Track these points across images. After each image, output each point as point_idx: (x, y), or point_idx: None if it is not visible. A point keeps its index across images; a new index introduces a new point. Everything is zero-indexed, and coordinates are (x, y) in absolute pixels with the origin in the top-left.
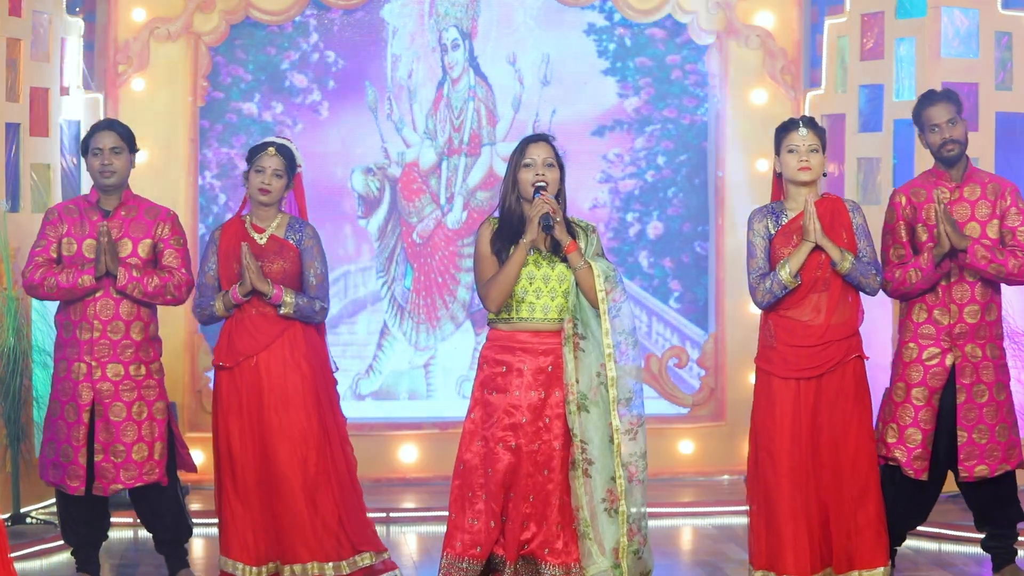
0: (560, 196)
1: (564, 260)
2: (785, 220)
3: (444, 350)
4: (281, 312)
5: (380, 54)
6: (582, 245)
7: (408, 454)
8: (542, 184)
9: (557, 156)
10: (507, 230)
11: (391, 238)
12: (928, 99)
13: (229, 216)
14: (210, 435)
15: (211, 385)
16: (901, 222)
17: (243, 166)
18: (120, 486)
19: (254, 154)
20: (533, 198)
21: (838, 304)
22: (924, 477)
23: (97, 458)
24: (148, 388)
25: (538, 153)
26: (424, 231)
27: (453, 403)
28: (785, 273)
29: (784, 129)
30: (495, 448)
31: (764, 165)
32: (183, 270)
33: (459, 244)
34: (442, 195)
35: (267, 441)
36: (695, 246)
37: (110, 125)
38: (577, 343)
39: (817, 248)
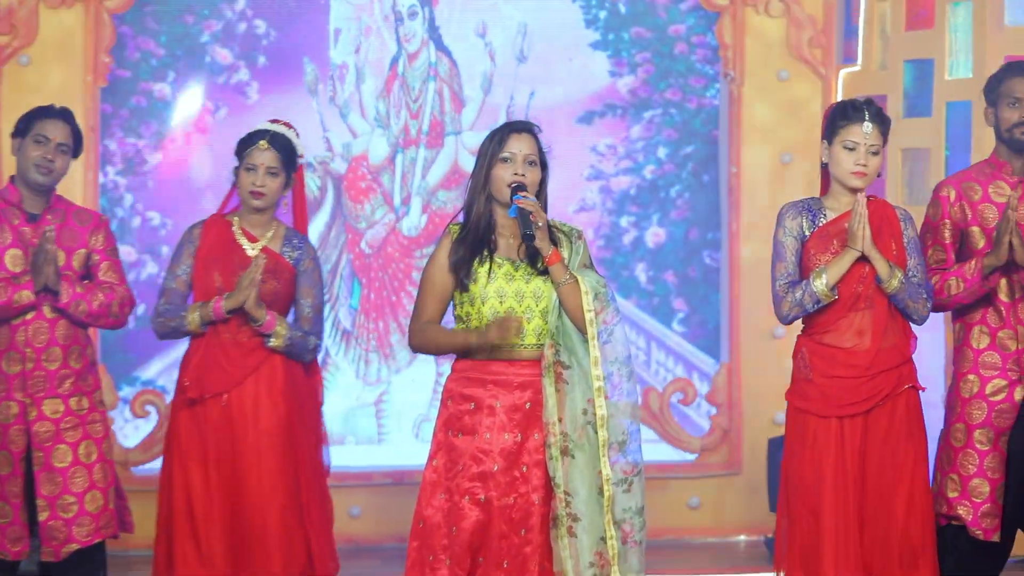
0: (541, 200)
1: (542, 272)
2: (824, 220)
3: (400, 384)
4: (270, 344)
5: (321, 24)
6: (566, 255)
7: (356, 512)
8: (522, 184)
9: (541, 152)
10: (472, 239)
11: (334, 248)
12: (1013, 70)
13: (136, 221)
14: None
15: (114, 427)
16: (947, 220)
17: (155, 160)
18: (76, 545)
19: (243, 149)
20: (511, 200)
21: (886, 326)
22: (995, 538)
23: (42, 516)
24: (94, 424)
25: (520, 146)
26: (375, 239)
27: (410, 449)
28: (821, 284)
29: (844, 116)
30: (461, 502)
31: (788, 158)
32: (123, 286)
33: (417, 255)
34: (396, 195)
35: (239, 496)
36: (704, 257)
37: (65, 116)
38: (560, 373)
39: (862, 259)
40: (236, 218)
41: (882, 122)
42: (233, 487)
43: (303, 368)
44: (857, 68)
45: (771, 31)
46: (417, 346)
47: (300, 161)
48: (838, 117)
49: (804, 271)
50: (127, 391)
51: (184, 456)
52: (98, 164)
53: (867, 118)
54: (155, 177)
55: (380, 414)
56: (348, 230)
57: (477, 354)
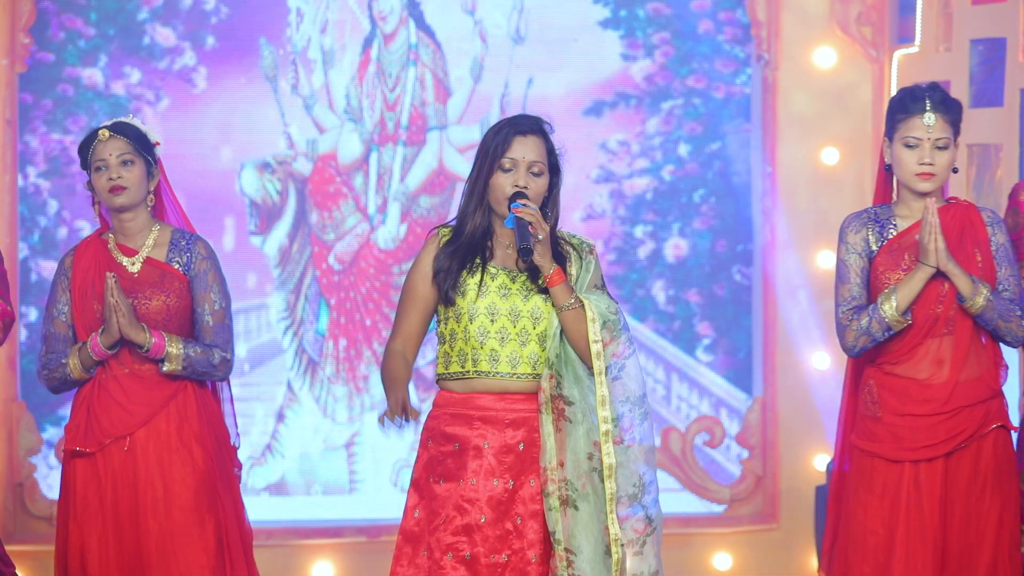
0: (552, 212)
1: (542, 291)
2: (894, 232)
3: (374, 423)
4: (164, 369)
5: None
6: (574, 272)
7: (323, 572)
8: (521, 192)
9: (552, 155)
10: (463, 246)
11: (298, 263)
12: None
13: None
14: (38, 548)
15: (36, 475)
16: None
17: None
18: None
19: (86, 151)
20: (509, 210)
21: (968, 353)
22: None
23: None
24: None
25: (524, 152)
26: (345, 253)
27: (388, 499)
28: (890, 307)
29: (902, 108)
30: (442, 560)
31: (833, 156)
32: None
33: (395, 271)
34: (371, 201)
35: (142, 557)
36: (733, 273)
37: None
38: (561, 410)
39: (939, 275)
40: (111, 235)
41: (949, 109)
42: (138, 549)
43: (218, 400)
44: (915, 49)
45: (812, 5)
46: (382, 371)
47: (157, 150)
48: (896, 110)
49: (873, 292)
50: (52, 432)
51: (80, 514)
52: (16, 164)
53: (929, 107)
54: (84, 180)
55: (352, 459)
56: (314, 242)
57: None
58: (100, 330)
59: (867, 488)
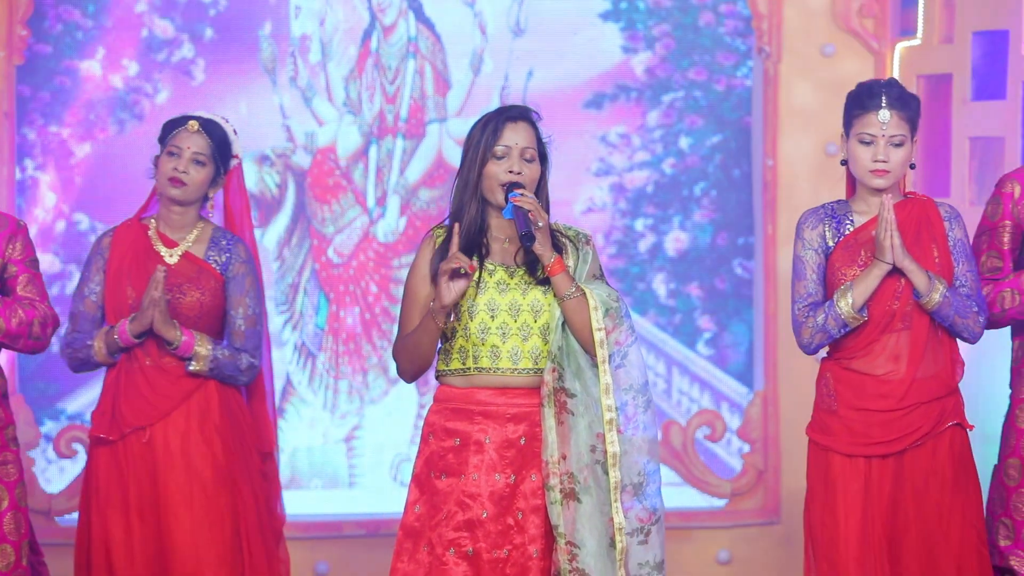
0: (541, 200)
1: (541, 283)
2: (850, 228)
3: (375, 418)
4: (191, 368)
5: None
6: (570, 263)
7: (323, 568)
8: (516, 183)
9: (540, 143)
10: (461, 245)
11: (297, 256)
12: None
13: (61, 225)
14: (40, 542)
15: (35, 469)
16: (1007, 221)
17: (82, 152)
18: None
19: (169, 131)
20: (505, 199)
21: (925, 350)
22: None
23: None
24: (5, 465)
25: (516, 138)
26: (345, 246)
27: (388, 494)
28: (846, 304)
29: (858, 104)
30: (444, 556)
31: (834, 149)
32: (45, 303)
33: (395, 264)
34: (370, 194)
35: (165, 548)
36: (735, 266)
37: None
38: (563, 403)
39: (896, 271)
40: (153, 221)
41: (905, 105)
42: (159, 540)
43: (244, 396)
44: (916, 42)
45: None
46: (402, 369)
47: (234, 162)
48: (852, 106)
49: (830, 288)
50: (50, 427)
51: (103, 504)
52: (13, 157)
53: (884, 103)
54: (82, 172)
55: (352, 453)
56: (313, 235)
57: (448, 322)
58: (131, 317)
59: (823, 483)
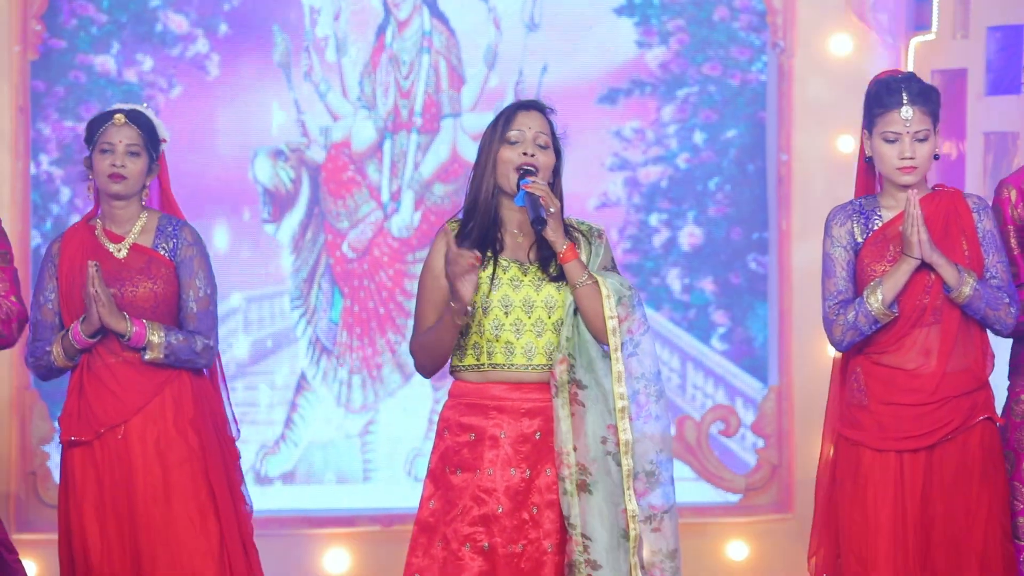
0: (555, 192)
1: (554, 279)
2: (879, 223)
3: (389, 412)
4: (146, 358)
5: None
6: (583, 258)
7: (337, 562)
8: (530, 168)
9: (554, 135)
10: (476, 235)
11: (311, 251)
12: None
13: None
14: (50, 537)
15: (50, 464)
16: (1010, 227)
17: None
18: None
19: (95, 129)
20: (517, 187)
21: (956, 344)
22: None
23: None
24: None
25: (529, 124)
26: (359, 241)
27: (402, 488)
28: (876, 301)
29: (879, 103)
30: (460, 551)
31: (849, 144)
32: (12, 297)
33: (409, 259)
34: (385, 189)
35: (142, 545)
36: (749, 261)
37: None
38: (575, 394)
39: (925, 266)
40: (99, 221)
41: (927, 100)
42: (137, 536)
43: (218, 389)
44: (931, 36)
45: None
46: (420, 365)
47: (164, 147)
48: (873, 103)
49: (860, 285)
50: None
51: (78, 502)
52: (28, 152)
53: (906, 100)
54: (84, 155)
55: (366, 447)
56: (328, 230)
57: (466, 318)
58: (81, 319)
59: (852, 477)
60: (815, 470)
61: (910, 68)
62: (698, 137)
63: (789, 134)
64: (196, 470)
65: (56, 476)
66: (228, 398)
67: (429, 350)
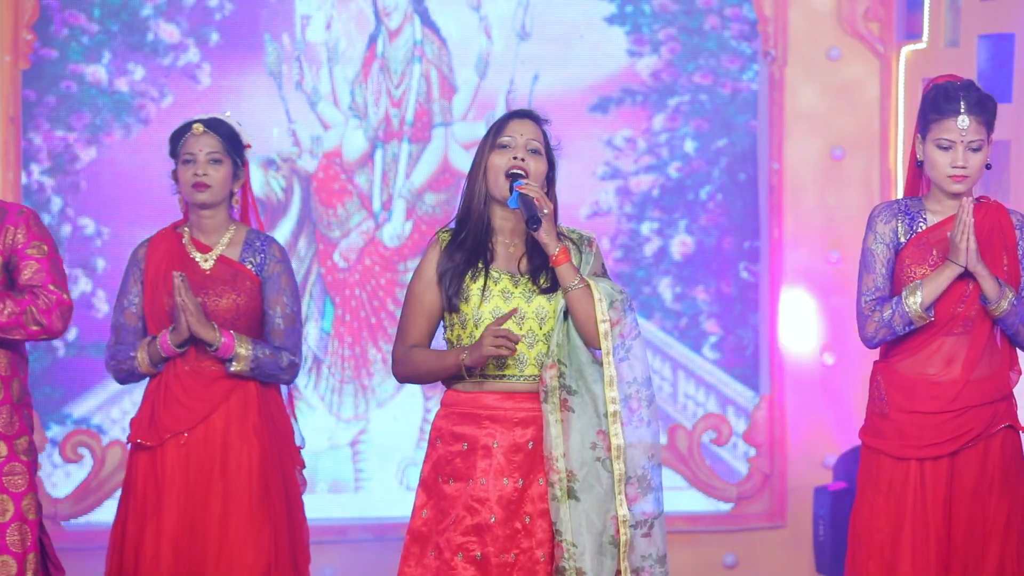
0: (549, 200)
1: (545, 291)
2: (923, 226)
3: (380, 421)
4: (232, 369)
5: None
6: (574, 263)
7: (329, 573)
8: (520, 172)
9: (547, 144)
10: (467, 243)
11: (302, 261)
12: None
13: (68, 229)
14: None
15: (41, 474)
16: None
17: (88, 156)
18: None
19: (177, 141)
20: (510, 189)
21: (982, 354)
22: None
23: None
24: (13, 476)
25: (520, 131)
26: (350, 250)
27: (394, 498)
28: (915, 303)
29: (935, 109)
30: (452, 560)
31: (840, 153)
32: (50, 286)
33: (400, 268)
34: (376, 198)
35: (201, 554)
36: (740, 270)
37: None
38: (564, 400)
39: (964, 275)
40: (187, 229)
41: (984, 110)
42: (192, 544)
43: (282, 398)
44: (922, 45)
45: (819, 2)
46: (402, 375)
47: (247, 153)
48: (929, 108)
49: (897, 284)
50: (56, 431)
51: (138, 508)
52: (19, 162)
53: (963, 109)
54: (88, 177)
55: (358, 457)
56: (319, 239)
57: (471, 376)
58: (171, 328)
59: (873, 485)
60: (807, 479)
61: (901, 77)
62: (689, 146)
63: (780, 143)
64: (254, 482)
65: (47, 486)
66: (293, 408)
67: (419, 374)
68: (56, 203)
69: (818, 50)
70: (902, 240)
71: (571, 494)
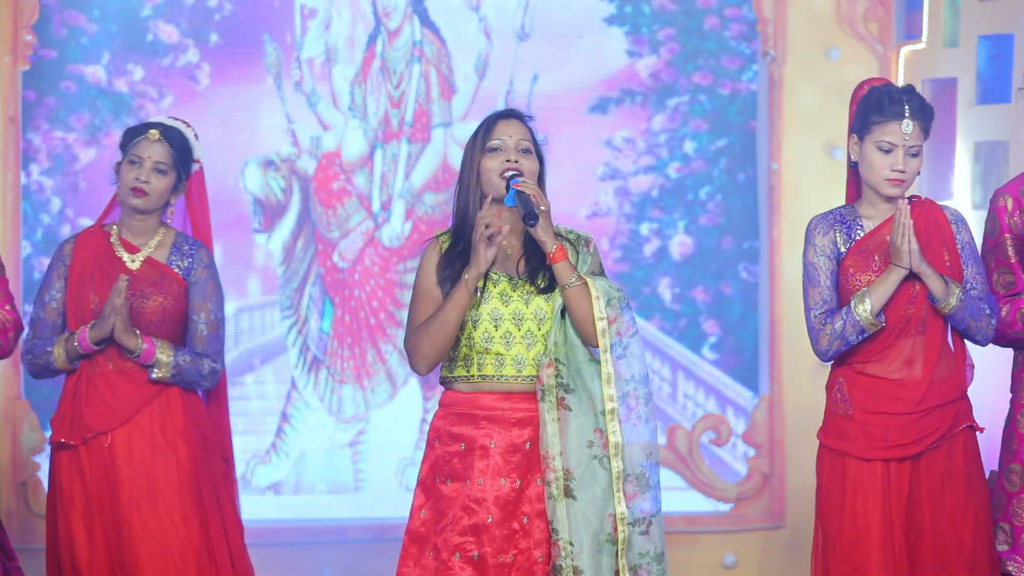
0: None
1: (543, 291)
2: (861, 233)
3: (380, 422)
4: (153, 376)
5: None
6: (572, 262)
7: (328, 572)
8: (515, 172)
9: (535, 141)
10: (463, 248)
11: (302, 261)
12: None
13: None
14: (41, 547)
15: (40, 474)
16: (1007, 235)
17: (88, 156)
18: None
19: (130, 139)
20: (507, 188)
21: (940, 353)
22: None
23: None
24: None
25: (509, 132)
26: (350, 251)
27: (393, 498)
28: (864, 310)
29: (879, 111)
30: (450, 561)
31: (840, 153)
32: (6, 306)
33: (399, 269)
34: (375, 198)
35: (126, 554)
36: (740, 270)
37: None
38: (562, 399)
39: (910, 276)
40: (115, 227)
41: (925, 116)
42: (122, 545)
43: (205, 399)
44: (922, 45)
45: (819, 2)
46: (420, 354)
47: (195, 167)
48: (872, 110)
49: (843, 294)
50: None
51: (65, 508)
52: (19, 162)
53: (907, 114)
54: (88, 177)
55: (357, 457)
56: (318, 240)
57: (469, 285)
58: (91, 324)
59: (840, 488)
60: (806, 479)
61: (900, 77)
62: (689, 146)
63: (780, 143)
64: (183, 481)
65: (46, 486)
66: (227, 416)
67: (434, 334)
68: (55, 203)
69: (817, 50)
70: (842, 250)
71: (568, 492)
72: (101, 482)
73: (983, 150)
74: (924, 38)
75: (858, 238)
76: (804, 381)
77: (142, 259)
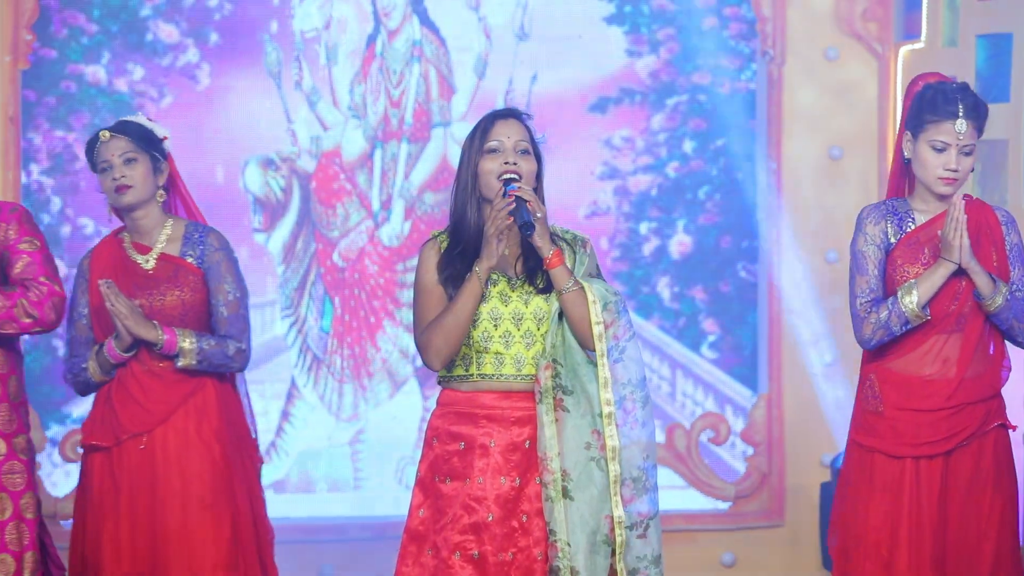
0: (538, 197)
1: (542, 291)
2: (912, 226)
3: (379, 420)
4: (179, 364)
5: None
6: (568, 264)
7: (328, 572)
8: (513, 176)
9: (533, 141)
10: (462, 248)
11: (302, 260)
12: None
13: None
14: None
15: (41, 473)
16: None
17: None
18: None
19: (91, 154)
20: (504, 194)
21: (975, 352)
22: None
23: None
24: (12, 474)
25: (508, 131)
26: (350, 250)
27: (393, 496)
28: (911, 302)
29: (933, 110)
30: (450, 559)
31: (838, 152)
32: (41, 278)
33: (399, 268)
34: (375, 198)
35: (158, 553)
36: (739, 269)
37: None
38: (559, 400)
39: (958, 272)
40: (126, 234)
41: (979, 115)
42: (155, 546)
43: (239, 396)
44: (920, 45)
45: (818, 2)
46: (437, 347)
47: (166, 145)
48: (926, 109)
49: (890, 285)
50: (56, 430)
51: (95, 510)
52: (19, 162)
53: (962, 113)
54: (88, 177)
55: (356, 456)
56: (318, 239)
57: (482, 276)
58: (114, 335)
59: (868, 483)
60: (805, 477)
61: (899, 77)
62: (688, 145)
63: (778, 142)
64: (216, 480)
65: (47, 486)
66: (249, 400)
67: (448, 327)
68: (56, 203)
69: (816, 50)
70: (892, 240)
71: (565, 493)
72: (136, 482)
73: (982, 149)
74: (923, 38)
75: (909, 230)
76: (803, 380)
77: (155, 257)
